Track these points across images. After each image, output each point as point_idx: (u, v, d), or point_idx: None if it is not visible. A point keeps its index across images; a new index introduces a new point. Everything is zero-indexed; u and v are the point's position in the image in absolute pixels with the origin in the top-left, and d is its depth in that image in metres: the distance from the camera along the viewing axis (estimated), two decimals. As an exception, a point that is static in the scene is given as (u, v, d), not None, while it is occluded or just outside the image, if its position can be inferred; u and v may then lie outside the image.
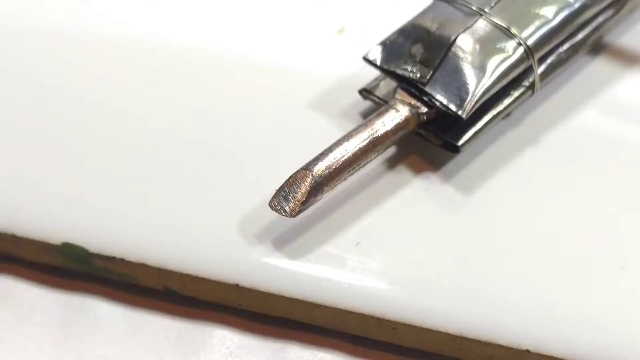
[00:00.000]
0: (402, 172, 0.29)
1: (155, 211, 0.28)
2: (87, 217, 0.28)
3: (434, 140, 0.29)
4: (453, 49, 0.28)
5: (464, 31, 0.28)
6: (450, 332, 0.26)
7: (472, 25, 0.28)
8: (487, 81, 0.28)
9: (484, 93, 0.28)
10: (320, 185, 0.27)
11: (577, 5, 0.29)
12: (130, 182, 0.28)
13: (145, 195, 0.28)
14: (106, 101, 0.30)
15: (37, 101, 0.30)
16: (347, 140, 0.27)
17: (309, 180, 0.26)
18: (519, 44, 0.29)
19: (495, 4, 0.29)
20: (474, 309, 0.26)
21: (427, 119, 0.29)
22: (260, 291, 0.27)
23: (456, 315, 0.26)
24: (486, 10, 0.29)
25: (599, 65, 0.31)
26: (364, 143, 0.28)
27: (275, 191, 0.27)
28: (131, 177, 0.29)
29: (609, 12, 0.31)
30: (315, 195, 0.27)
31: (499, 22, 0.28)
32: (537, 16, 0.29)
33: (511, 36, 0.29)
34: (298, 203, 0.26)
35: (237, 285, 0.27)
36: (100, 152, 0.29)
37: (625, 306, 0.26)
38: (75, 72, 0.31)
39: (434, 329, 0.26)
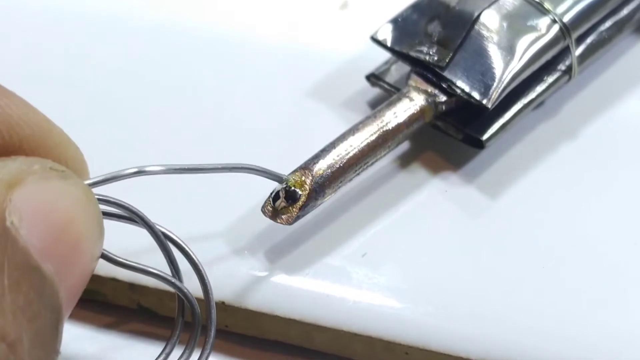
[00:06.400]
0: (417, 172, 0.29)
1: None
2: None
3: (454, 134, 0.29)
4: (476, 26, 0.28)
5: (489, 6, 0.29)
6: (472, 358, 0.26)
7: (498, -2, 0.29)
8: (516, 65, 0.28)
9: (512, 79, 0.28)
10: (321, 188, 0.27)
11: (621, -24, 0.30)
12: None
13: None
14: (95, 80, 0.31)
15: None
16: (353, 135, 0.27)
17: (308, 181, 0.26)
18: (554, 21, 0.29)
19: (526, -27, 0.29)
20: (499, 332, 0.26)
21: (446, 109, 0.29)
22: (251, 310, 0.27)
23: (478, 339, 0.26)
24: (515, -20, 0.29)
25: (647, 46, 0.32)
26: (373, 138, 0.28)
27: (268, 194, 0.27)
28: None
29: (659, -16, 0.31)
30: (316, 199, 0.27)
31: (530, -5, 0.29)
32: (575, -12, 0.29)
33: (544, 12, 0.29)
34: (295, 208, 0.26)
35: (223, 303, 0.27)
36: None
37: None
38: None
39: (452, 354, 0.26)
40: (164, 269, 0.24)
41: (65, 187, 0.21)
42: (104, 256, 0.22)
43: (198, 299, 0.24)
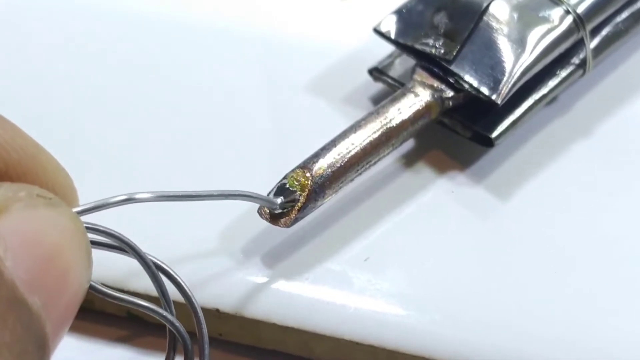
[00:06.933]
0: (422, 171, 0.29)
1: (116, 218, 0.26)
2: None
3: (461, 132, 0.29)
4: (485, 18, 0.28)
5: (498, -4, 0.29)
6: (481, 368, 0.26)
7: (508, -12, 0.29)
8: (527, 58, 0.28)
9: (523, 73, 0.28)
10: (321, 188, 0.26)
11: (638, -36, 0.30)
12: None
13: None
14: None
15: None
16: (355, 132, 0.27)
17: (307, 181, 0.26)
18: (567, 12, 0.29)
19: (537, -39, 0.29)
20: (508, 341, 0.26)
21: (453, 105, 0.29)
22: (246, 318, 0.27)
23: (486, 348, 0.26)
24: (526, -31, 0.29)
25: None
26: (375, 135, 0.27)
27: (265, 195, 0.26)
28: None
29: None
30: (316, 200, 0.26)
31: (542, -16, 0.29)
32: (590, -23, 0.29)
33: (557, 2, 0.29)
34: (294, 210, 0.26)
35: (217, 310, 0.27)
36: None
37: None
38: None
39: (460, 364, 0.26)
40: (154, 294, 0.24)
41: (52, 215, 0.20)
42: (93, 288, 0.22)
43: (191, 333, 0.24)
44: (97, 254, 0.22)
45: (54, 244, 0.20)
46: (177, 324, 0.23)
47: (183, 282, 0.24)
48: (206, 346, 0.24)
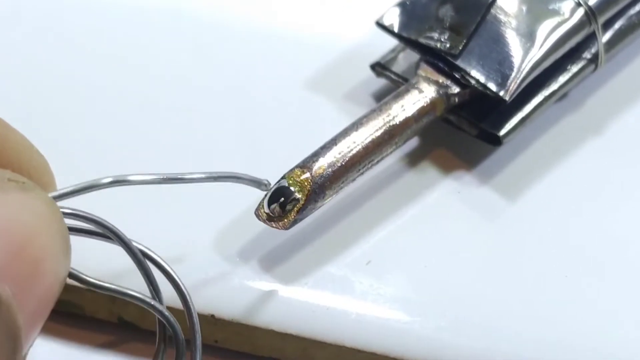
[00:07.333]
0: (427, 171, 0.29)
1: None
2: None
3: (467, 130, 0.29)
4: (492, 10, 0.28)
5: (506, -12, 0.29)
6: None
7: (517, -21, 0.29)
8: (536, 53, 0.28)
9: (532, 68, 0.28)
10: (321, 189, 0.26)
11: (652, -47, 0.30)
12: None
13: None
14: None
15: None
16: (356, 130, 0.27)
17: (306, 181, 0.26)
18: (578, 4, 0.29)
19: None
20: (517, 348, 0.26)
21: (459, 102, 0.28)
22: (243, 324, 0.26)
23: (494, 355, 0.26)
24: (535, -40, 0.29)
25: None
26: (378, 133, 0.27)
27: (263, 196, 0.26)
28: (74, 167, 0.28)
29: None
30: (315, 201, 0.26)
31: (552, -24, 0.29)
32: (601, -33, 0.30)
33: None
34: (293, 211, 0.26)
35: (212, 316, 0.26)
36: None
37: None
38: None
39: (466, 372, 0.26)
40: (144, 288, 0.23)
41: (25, 200, 0.20)
42: (73, 276, 0.21)
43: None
44: (79, 245, 0.21)
45: (27, 230, 0.19)
46: (167, 313, 0.23)
47: (171, 269, 0.23)
48: (198, 336, 0.23)
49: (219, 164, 0.28)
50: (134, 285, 0.23)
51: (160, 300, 0.23)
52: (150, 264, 0.23)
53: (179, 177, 0.24)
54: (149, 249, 0.23)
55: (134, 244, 0.22)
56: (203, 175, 0.24)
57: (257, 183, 0.25)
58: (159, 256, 0.23)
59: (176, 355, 0.23)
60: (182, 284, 0.23)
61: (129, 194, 0.27)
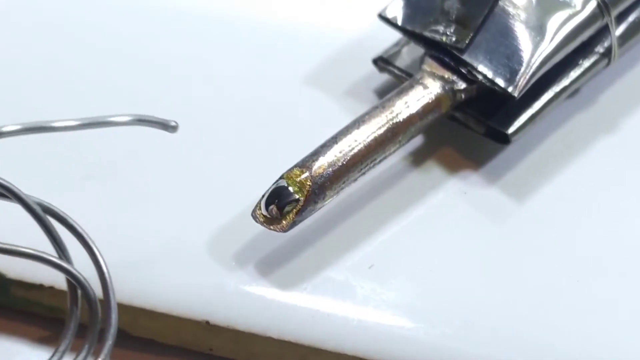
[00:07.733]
0: (432, 171, 0.29)
1: (92, 220, 0.26)
2: (2, 234, 0.26)
3: (474, 127, 0.29)
4: (500, 2, 0.28)
5: (515, -21, 0.29)
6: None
7: (526, -30, 0.29)
8: (547, 47, 0.28)
9: (542, 63, 0.28)
10: (321, 189, 0.26)
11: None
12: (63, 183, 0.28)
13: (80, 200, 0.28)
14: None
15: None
16: (358, 128, 0.27)
17: (306, 181, 0.26)
18: None
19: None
20: (525, 355, 0.26)
21: (466, 98, 0.29)
22: (239, 331, 0.26)
23: None
24: (545, -50, 0.30)
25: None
26: (381, 131, 0.27)
27: (260, 197, 0.26)
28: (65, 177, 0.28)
29: None
30: (315, 202, 0.26)
31: (563, -33, 0.29)
32: (615, -42, 0.30)
33: None
34: (291, 213, 0.26)
35: (207, 322, 0.26)
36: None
37: None
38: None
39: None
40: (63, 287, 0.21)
41: None
42: None
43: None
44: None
45: None
46: (75, 272, 0.21)
47: (76, 224, 0.21)
48: (113, 300, 0.21)
49: (217, 163, 0.29)
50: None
51: (67, 259, 0.21)
52: (53, 220, 0.21)
53: (67, 125, 0.22)
54: (50, 204, 0.21)
55: (31, 198, 0.21)
56: (100, 120, 0.22)
57: (164, 125, 0.24)
58: (61, 210, 0.21)
59: (90, 315, 0.22)
60: (89, 238, 0.21)
61: (123, 195, 0.28)
